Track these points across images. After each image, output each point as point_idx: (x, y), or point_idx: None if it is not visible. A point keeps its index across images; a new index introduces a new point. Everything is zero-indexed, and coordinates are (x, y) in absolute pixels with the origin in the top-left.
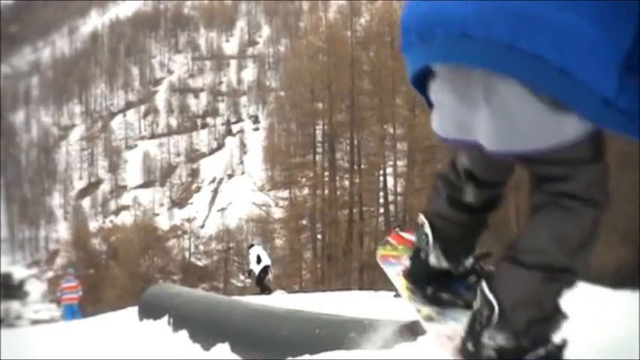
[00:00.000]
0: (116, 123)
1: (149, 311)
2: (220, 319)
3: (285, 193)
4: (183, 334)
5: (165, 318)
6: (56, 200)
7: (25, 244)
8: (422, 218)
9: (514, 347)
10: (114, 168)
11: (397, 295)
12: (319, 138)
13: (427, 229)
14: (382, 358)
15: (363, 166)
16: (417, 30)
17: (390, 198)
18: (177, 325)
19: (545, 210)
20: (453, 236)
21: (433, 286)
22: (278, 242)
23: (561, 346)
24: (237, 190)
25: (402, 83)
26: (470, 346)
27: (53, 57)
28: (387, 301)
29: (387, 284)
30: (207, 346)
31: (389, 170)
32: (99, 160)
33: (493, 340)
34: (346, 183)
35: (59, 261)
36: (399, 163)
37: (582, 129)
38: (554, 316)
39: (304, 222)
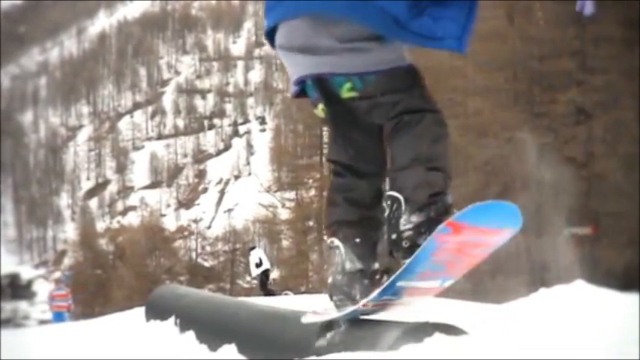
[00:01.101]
0: (123, 124)
1: (156, 312)
2: (227, 320)
3: (291, 194)
4: (190, 334)
5: (172, 319)
6: (64, 201)
7: (33, 244)
8: (330, 239)
9: (426, 219)
10: (121, 169)
11: None
12: (326, 139)
13: (337, 242)
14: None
15: None
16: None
17: None
18: (184, 326)
19: (396, 131)
20: (359, 237)
21: (358, 288)
22: (284, 243)
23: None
24: (243, 191)
25: None
26: (394, 236)
27: (61, 57)
28: None
29: None
30: (214, 347)
31: None
32: (106, 160)
33: (409, 222)
34: None
35: (67, 261)
36: None
37: (397, 60)
38: (445, 192)
39: (311, 223)
